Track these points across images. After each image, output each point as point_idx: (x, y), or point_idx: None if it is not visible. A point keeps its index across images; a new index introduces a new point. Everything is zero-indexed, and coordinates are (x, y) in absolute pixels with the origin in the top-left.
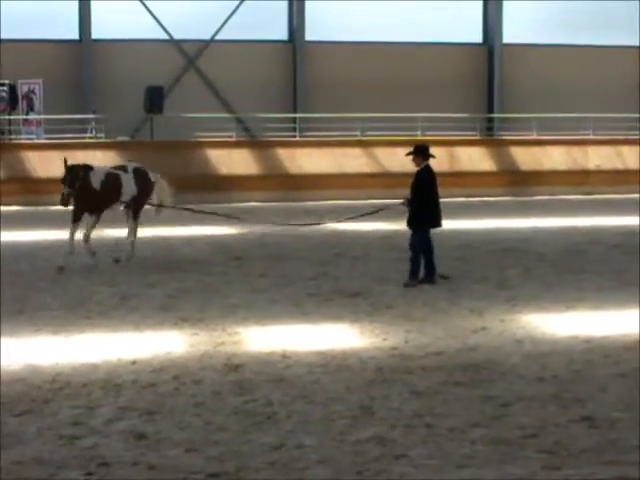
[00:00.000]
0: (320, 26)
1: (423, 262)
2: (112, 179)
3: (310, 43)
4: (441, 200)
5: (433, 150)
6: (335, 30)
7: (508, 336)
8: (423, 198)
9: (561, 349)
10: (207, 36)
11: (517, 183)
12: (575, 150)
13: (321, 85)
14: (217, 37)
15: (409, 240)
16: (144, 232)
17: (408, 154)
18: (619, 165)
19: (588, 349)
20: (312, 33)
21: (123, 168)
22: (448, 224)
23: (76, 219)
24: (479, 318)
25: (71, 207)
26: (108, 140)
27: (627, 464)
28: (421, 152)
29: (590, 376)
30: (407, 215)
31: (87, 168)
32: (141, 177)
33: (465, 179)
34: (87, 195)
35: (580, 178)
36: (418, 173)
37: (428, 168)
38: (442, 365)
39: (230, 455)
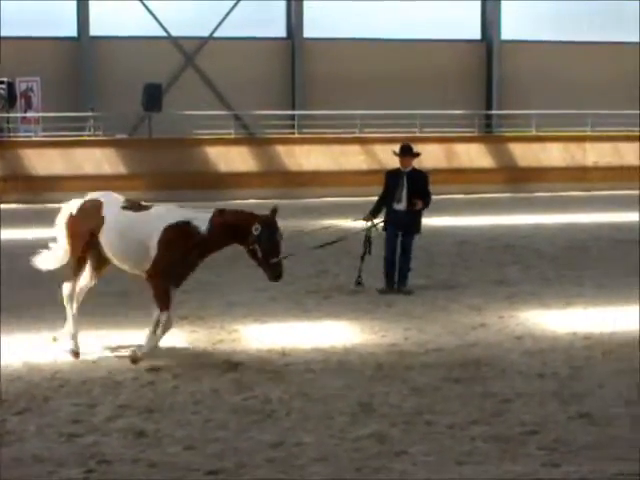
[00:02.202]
0: (318, 23)
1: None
2: None
3: (308, 40)
4: (440, 197)
5: (433, 147)
6: (333, 27)
7: (507, 333)
8: (426, 200)
9: (561, 346)
10: (205, 33)
11: (516, 180)
12: (573, 146)
13: (319, 82)
14: (215, 34)
15: (404, 245)
16: None
17: (396, 154)
18: (617, 161)
19: (587, 346)
20: (310, 30)
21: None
22: (447, 221)
23: None
24: (478, 315)
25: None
26: (106, 138)
27: (626, 460)
28: (409, 152)
29: (589, 373)
30: (389, 218)
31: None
32: None
33: (463, 176)
34: None
35: (578, 174)
36: (409, 174)
37: (416, 169)
38: (441, 362)
39: (229, 452)
